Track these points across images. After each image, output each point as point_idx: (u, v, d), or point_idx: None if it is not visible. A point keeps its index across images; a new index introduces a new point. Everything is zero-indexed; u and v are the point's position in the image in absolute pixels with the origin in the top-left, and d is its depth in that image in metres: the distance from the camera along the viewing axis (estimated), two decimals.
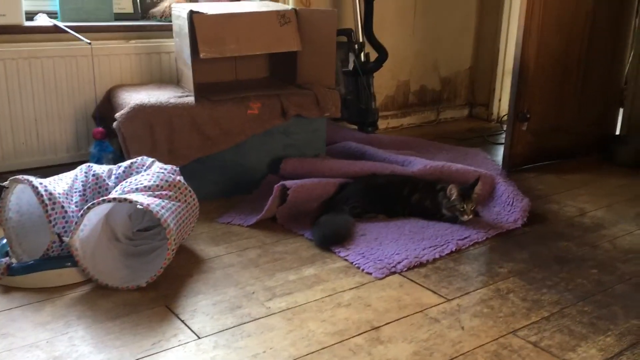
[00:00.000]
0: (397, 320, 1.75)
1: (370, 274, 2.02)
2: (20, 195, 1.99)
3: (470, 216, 2.39)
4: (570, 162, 3.31)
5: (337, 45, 2.86)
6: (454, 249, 2.21)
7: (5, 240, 1.99)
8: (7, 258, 1.90)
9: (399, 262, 2.08)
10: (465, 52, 4.22)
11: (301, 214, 2.44)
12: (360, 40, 3.37)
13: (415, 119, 4.08)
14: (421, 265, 2.10)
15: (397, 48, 3.74)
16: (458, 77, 4.25)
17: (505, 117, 3.39)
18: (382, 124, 3.75)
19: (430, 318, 1.77)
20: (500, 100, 4.20)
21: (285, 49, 2.69)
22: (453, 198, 2.39)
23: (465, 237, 2.30)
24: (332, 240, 2.21)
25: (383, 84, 3.79)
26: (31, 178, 1.92)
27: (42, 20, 2.67)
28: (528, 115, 3.09)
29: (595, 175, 3.14)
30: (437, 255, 2.16)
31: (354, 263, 2.09)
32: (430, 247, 2.21)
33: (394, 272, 2.03)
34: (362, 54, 3.36)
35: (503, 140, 3.34)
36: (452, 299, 1.88)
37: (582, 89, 3.28)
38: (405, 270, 2.05)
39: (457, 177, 2.63)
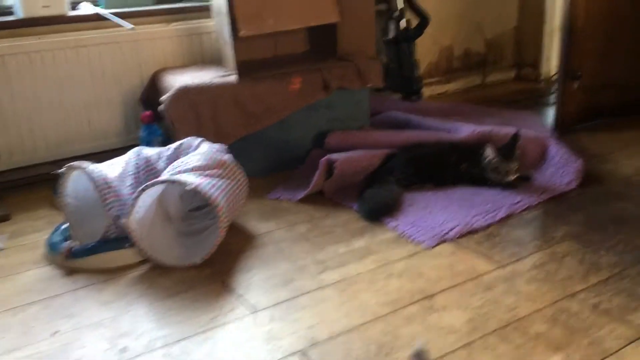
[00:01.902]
0: (451, 288, 1.75)
1: (421, 242, 2.01)
2: (76, 181, 2.06)
3: (514, 176, 2.34)
4: (624, 119, 3.18)
5: (376, 14, 2.81)
6: (506, 215, 2.17)
7: (66, 225, 2.07)
8: (69, 242, 1.97)
9: (450, 230, 2.06)
10: (510, 11, 4.09)
11: (348, 186, 2.44)
12: (400, 6, 3.30)
13: (461, 84, 3.99)
14: (473, 232, 2.07)
15: (438, 12, 3.65)
16: (503, 37, 4.12)
17: (555, 77, 3.28)
18: (426, 92, 3.69)
19: (484, 285, 1.75)
20: (549, 59, 4.06)
21: (324, 21, 2.67)
22: (492, 159, 2.34)
23: (518, 202, 2.25)
24: (378, 213, 2.21)
25: (425, 50, 3.72)
26: (85, 164, 1.98)
27: (85, 9, 2.73)
28: (579, 73, 2.98)
29: None
30: (489, 222, 2.13)
31: (404, 233, 2.08)
32: (481, 213, 2.18)
33: (445, 240, 2.02)
34: (402, 21, 3.30)
35: (553, 101, 3.24)
36: (506, 265, 1.85)
37: (634, 43, 3.14)
38: (457, 238, 2.03)
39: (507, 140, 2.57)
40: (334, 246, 2.02)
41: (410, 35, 3.31)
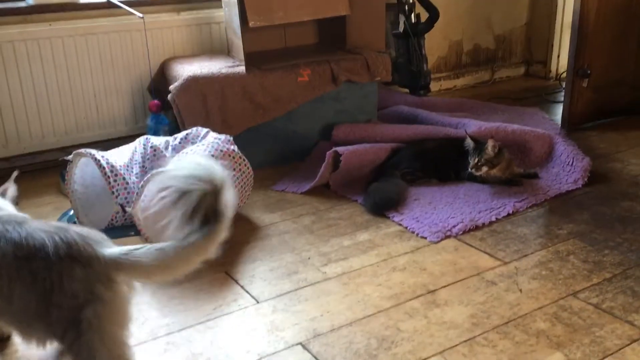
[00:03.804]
0: (453, 283, 1.75)
1: (425, 238, 2.02)
2: (84, 168, 2.07)
3: (480, 172, 2.33)
4: (633, 118, 3.17)
5: (386, 8, 2.81)
6: (511, 212, 2.17)
7: (72, 212, 2.08)
8: None
9: (454, 226, 2.07)
10: (521, 7, 4.06)
11: (354, 180, 2.45)
12: (410, 0, 3.29)
13: (469, 80, 3.98)
14: (477, 228, 2.07)
15: (448, 7, 3.63)
16: (513, 34, 4.10)
17: (564, 74, 3.26)
18: (434, 87, 3.68)
19: (487, 281, 1.76)
20: (559, 56, 4.03)
21: (333, 13, 2.66)
22: (469, 149, 2.36)
23: (523, 199, 2.25)
24: (383, 207, 2.21)
25: (435, 45, 3.70)
26: (93, 151, 1.99)
27: None
28: (588, 71, 2.96)
29: None
30: (493, 218, 2.13)
31: (408, 228, 2.09)
32: (486, 210, 2.18)
33: (449, 236, 2.02)
34: (412, 15, 3.29)
35: (562, 99, 3.22)
36: (509, 262, 1.86)
37: None
38: (461, 234, 2.03)
39: (514, 138, 2.56)
40: (338, 239, 2.03)
41: (420, 30, 3.29)
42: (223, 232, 1.21)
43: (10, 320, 1.25)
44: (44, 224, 1.24)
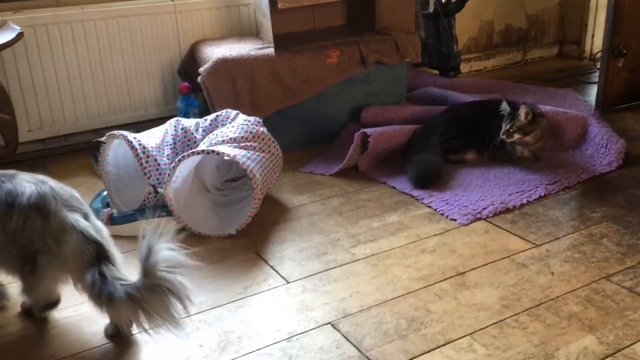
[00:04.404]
0: (483, 265, 1.74)
1: (455, 220, 2.00)
2: (116, 149, 2.10)
3: (509, 139, 2.29)
4: None
5: None
6: (542, 194, 2.14)
7: (105, 192, 2.12)
8: (109, 208, 2.03)
9: (484, 208, 2.05)
10: None
11: (383, 161, 2.44)
12: None
13: (500, 61, 3.91)
14: (507, 211, 2.05)
15: None
16: (546, 13, 4.01)
17: (599, 54, 3.18)
18: (464, 68, 3.63)
19: (518, 264, 1.74)
20: (593, 36, 3.93)
21: None
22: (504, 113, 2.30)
23: (555, 182, 2.22)
24: (427, 179, 2.21)
25: (465, 25, 3.65)
26: (126, 133, 2.02)
27: None
28: (624, 51, 2.88)
29: None
30: (524, 201, 2.10)
31: (437, 210, 2.08)
32: (517, 192, 2.15)
33: (479, 218, 2.01)
34: None
35: (596, 79, 3.15)
36: (540, 245, 1.84)
37: None
38: (491, 216, 2.02)
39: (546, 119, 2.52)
40: (367, 220, 2.03)
41: (451, 10, 3.24)
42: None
43: None
44: (30, 176, 1.48)
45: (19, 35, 2.25)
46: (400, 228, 1.98)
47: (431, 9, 3.24)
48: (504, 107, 2.31)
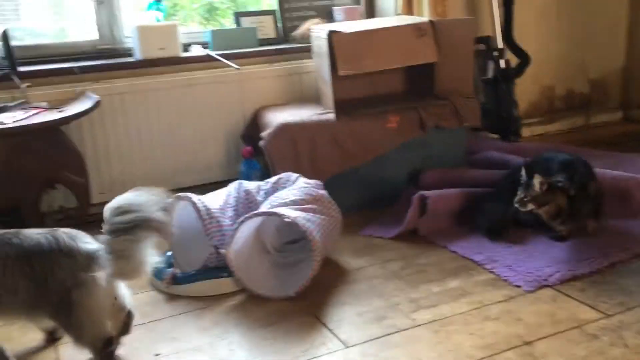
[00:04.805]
0: (552, 335, 1.67)
1: (520, 287, 1.94)
2: (181, 211, 2.17)
3: (523, 208, 2.16)
4: None
5: (475, 54, 2.80)
6: (612, 262, 2.05)
7: (170, 253, 2.18)
8: (173, 269, 2.08)
9: (550, 275, 1.98)
10: (618, 50, 3.93)
11: (443, 225, 2.41)
12: (500, 46, 3.27)
13: (562, 125, 3.86)
14: (576, 278, 1.97)
15: (539, 52, 3.57)
16: (609, 77, 3.96)
17: None
18: (525, 132, 3.59)
19: (589, 334, 1.66)
20: None
21: (422, 60, 2.69)
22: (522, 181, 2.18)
23: (627, 249, 2.13)
24: (498, 229, 2.17)
25: (525, 89, 3.63)
26: (191, 195, 2.09)
27: (196, 51, 2.92)
28: None
29: None
30: (594, 268, 2.02)
31: (501, 275, 2.02)
32: (585, 259, 2.07)
33: (546, 286, 1.93)
34: (501, 61, 3.26)
35: None
36: (612, 315, 1.75)
37: None
38: (559, 284, 1.94)
39: (613, 185, 2.44)
40: (428, 285, 2.00)
41: (510, 75, 3.26)
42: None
43: (16, 310, 1.51)
44: (35, 229, 1.54)
45: (97, 104, 2.40)
46: (462, 294, 1.93)
47: (490, 74, 3.26)
48: (523, 174, 2.20)
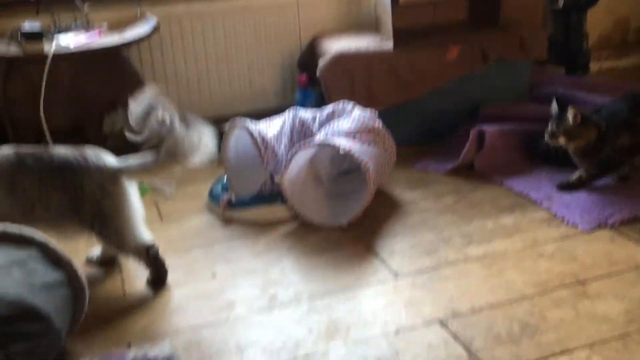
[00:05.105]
0: (607, 275, 1.64)
1: (577, 226, 1.90)
2: (237, 138, 2.20)
3: (552, 142, 2.08)
4: None
5: None
6: None
7: (225, 178, 2.23)
8: (228, 193, 2.12)
9: (610, 215, 1.93)
10: None
11: (500, 161, 2.36)
12: None
13: (635, 60, 3.63)
14: (637, 220, 1.91)
15: None
16: None
17: None
18: (594, 67, 3.41)
19: None
20: None
21: None
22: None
23: None
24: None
25: (597, 21, 3.42)
26: (247, 122, 2.11)
27: None
28: None
29: None
30: None
31: (557, 214, 1.98)
32: None
33: (604, 226, 1.89)
34: None
35: None
36: None
37: None
38: (618, 225, 1.89)
39: None
40: (481, 221, 1.98)
41: (583, 4, 3.07)
42: (182, 161, 1.65)
43: (49, 223, 1.60)
44: (63, 147, 1.64)
45: (157, 27, 2.41)
46: (516, 230, 1.91)
47: (561, 4, 3.07)
48: (553, 106, 2.10)
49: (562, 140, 2.08)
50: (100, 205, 1.60)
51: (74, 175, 1.58)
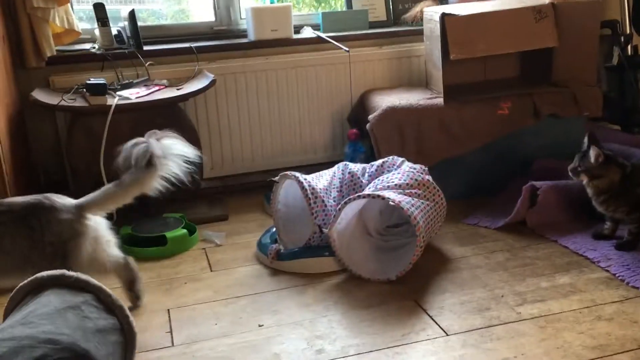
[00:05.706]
0: None
1: (637, 288, 1.82)
2: (287, 189, 2.23)
3: (574, 176, 2.09)
4: None
5: (599, 39, 2.63)
6: None
7: (274, 229, 2.24)
8: (277, 244, 2.14)
9: None
10: None
11: (553, 218, 2.30)
12: (628, 31, 3.05)
13: None
14: None
15: None
16: None
17: None
18: None
19: None
20: None
21: (540, 45, 2.57)
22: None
23: None
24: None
25: None
26: (297, 174, 2.14)
27: (307, 33, 2.96)
28: None
29: None
30: None
31: (617, 275, 1.90)
32: None
33: None
34: (628, 47, 3.04)
35: None
36: None
37: None
38: None
39: None
40: (535, 279, 1.92)
41: (637, 62, 3.03)
42: (155, 175, 1.75)
43: (9, 270, 1.64)
44: (22, 196, 1.71)
45: (213, 82, 2.50)
46: (573, 291, 1.84)
47: (615, 61, 3.05)
48: (585, 141, 2.11)
49: (583, 178, 2.08)
50: (64, 247, 1.66)
51: (40, 218, 1.64)
